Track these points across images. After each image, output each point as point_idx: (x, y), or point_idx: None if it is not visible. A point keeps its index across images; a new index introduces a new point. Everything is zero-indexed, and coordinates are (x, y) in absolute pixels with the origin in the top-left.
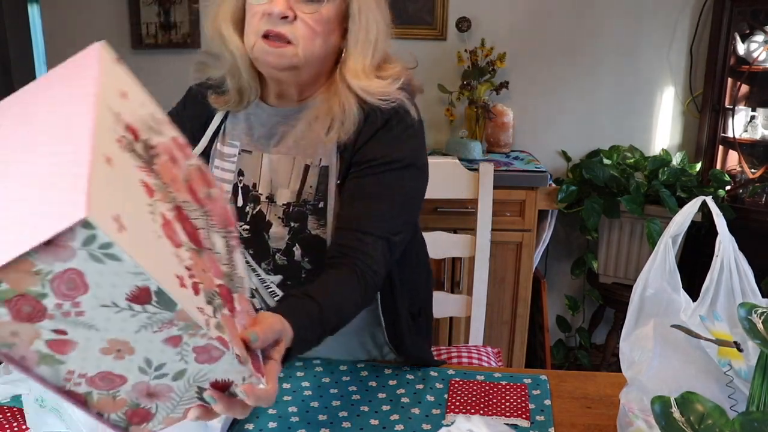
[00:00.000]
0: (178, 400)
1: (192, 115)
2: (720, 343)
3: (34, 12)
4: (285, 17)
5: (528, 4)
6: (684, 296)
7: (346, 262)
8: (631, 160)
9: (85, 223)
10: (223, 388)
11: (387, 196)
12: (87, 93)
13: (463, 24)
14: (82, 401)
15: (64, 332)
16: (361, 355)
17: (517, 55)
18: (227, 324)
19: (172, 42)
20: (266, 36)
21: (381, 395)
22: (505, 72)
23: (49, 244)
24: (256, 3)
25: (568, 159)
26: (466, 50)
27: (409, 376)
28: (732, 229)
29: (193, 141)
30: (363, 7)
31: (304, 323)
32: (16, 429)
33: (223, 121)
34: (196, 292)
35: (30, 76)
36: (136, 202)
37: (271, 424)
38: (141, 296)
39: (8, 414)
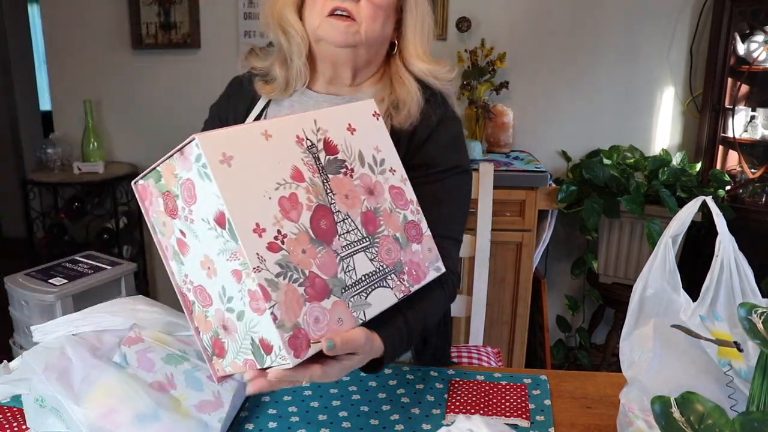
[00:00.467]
0: (240, 345)
1: (236, 104)
2: (720, 343)
3: (34, 12)
4: None
5: (528, 4)
6: (684, 296)
7: None
8: (631, 160)
9: (196, 143)
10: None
11: (453, 199)
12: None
13: (463, 24)
14: (189, 308)
15: (184, 234)
16: None
17: (517, 55)
18: (287, 293)
19: (172, 42)
20: (331, 14)
21: (381, 395)
22: (505, 72)
23: (181, 153)
24: None
25: (568, 159)
26: (466, 50)
27: (409, 376)
28: (732, 229)
29: None
30: None
31: (394, 340)
32: (16, 429)
33: (264, 109)
34: (273, 250)
35: (30, 75)
36: (267, 166)
37: (271, 424)
38: (220, 220)
39: (8, 414)
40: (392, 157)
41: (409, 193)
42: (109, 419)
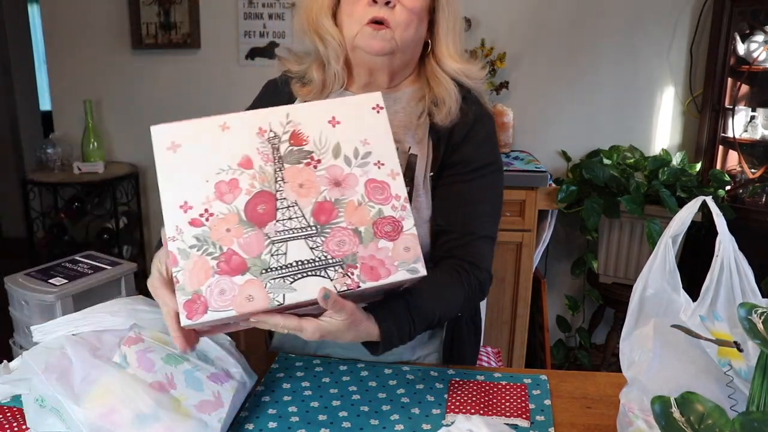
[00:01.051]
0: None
1: (271, 106)
2: (720, 343)
3: (34, 12)
4: (388, 2)
5: (528, 4)
6: (684, 296)
7: (451, 263)
8: (631, 160)
9: (152, 130)
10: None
11: (488, 197)
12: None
13: (463, 24)
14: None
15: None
16: (406, 355)
17: (517, 55)
18: (196, 263)
19: (172, 42)
20: (369, 24)
21: (381, 395)
22: (505, 72)
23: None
24: None
25: (568, 159)
26: (466, 50)
27: (409, 376)
28: (732, 229)
29: None
30: None
31: (390, 327)
32: (16, 429)
33: None
34: (194, 225)
35: (30, 75)
36: (214, 154)
37: (271, 424)
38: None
39: (8, 414)
40: (383, 151)
41: (398, 188)
42: (109, 419)
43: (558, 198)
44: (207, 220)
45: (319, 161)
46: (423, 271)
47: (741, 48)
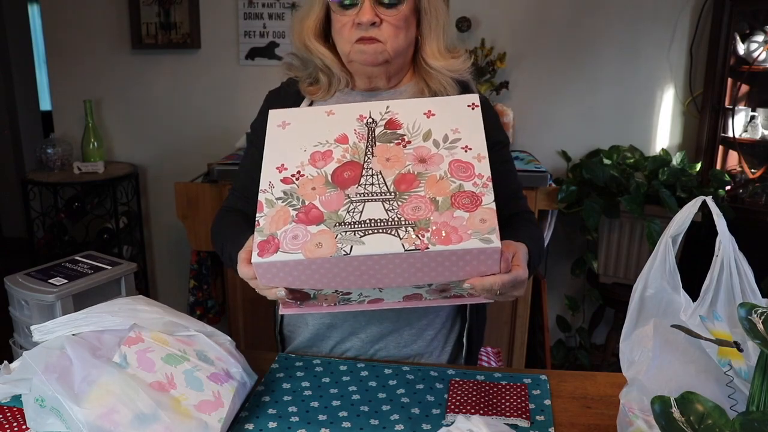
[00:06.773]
0: None
1: None
2: (720, 343)
3: (34, 12)
4: (374, 23)
5: (528, 4)
6: (684, 296)
7: (513, 219)
8: (631, 160)
9: (270, 113)
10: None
11: (513, 171)
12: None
13: (463, 24)
14: None
15: None
16: (421, 352)
17: (517, 55)
18: (279, 211)
19: (172, 42)
20: (359, 41)
21: (381, 395)
22: (505, 72)
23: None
24: (344, 14)
25: (568, 159)
26: (466, 50)
27: (409, 376)
28: (732, 229)
29: None
30: None
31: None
32: (16, 429)
33: None
34: (285, 182)
35: (30, 75)
36: (316, 131)
37: (271, 424)
38: None
39: (8, 414)
40: (472, 138)
41: (482, 168)
42: (109, 419)
43: (558, 198)
44: (297, 179)
45: (409, 142)
46: (497, 243)
47: (741, 48)
